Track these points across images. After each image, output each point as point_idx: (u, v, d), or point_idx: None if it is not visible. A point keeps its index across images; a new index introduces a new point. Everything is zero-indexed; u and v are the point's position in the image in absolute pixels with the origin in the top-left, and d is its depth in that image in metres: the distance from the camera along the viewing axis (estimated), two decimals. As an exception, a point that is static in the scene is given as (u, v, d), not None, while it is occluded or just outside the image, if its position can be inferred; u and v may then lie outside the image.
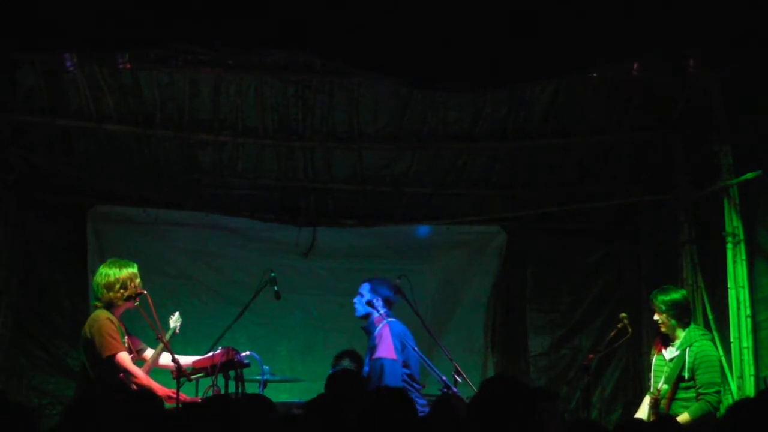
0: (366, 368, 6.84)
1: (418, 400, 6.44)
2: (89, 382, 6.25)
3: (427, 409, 6.41)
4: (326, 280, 8.51)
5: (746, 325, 6.69)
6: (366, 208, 8.48)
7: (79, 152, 7.87)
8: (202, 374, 6.32)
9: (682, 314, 6.53)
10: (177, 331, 6.69)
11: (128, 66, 6.88)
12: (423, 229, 8.55)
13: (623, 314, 6.70)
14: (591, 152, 8.09)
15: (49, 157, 7.83)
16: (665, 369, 6.47)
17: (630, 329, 6.61)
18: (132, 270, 6.41)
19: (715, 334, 6.97)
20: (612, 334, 6.74)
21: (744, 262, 6.75)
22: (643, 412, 6.57)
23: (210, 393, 6.14)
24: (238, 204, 8.34)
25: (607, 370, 8.41)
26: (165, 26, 5.57)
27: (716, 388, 6.33)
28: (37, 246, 8.07)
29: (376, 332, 6.77)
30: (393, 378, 6.49)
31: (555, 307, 8.57)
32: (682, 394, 6.37)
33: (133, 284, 6.36)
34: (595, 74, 7.11)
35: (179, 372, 6.02)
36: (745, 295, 6.73)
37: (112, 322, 6.25)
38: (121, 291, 6.32)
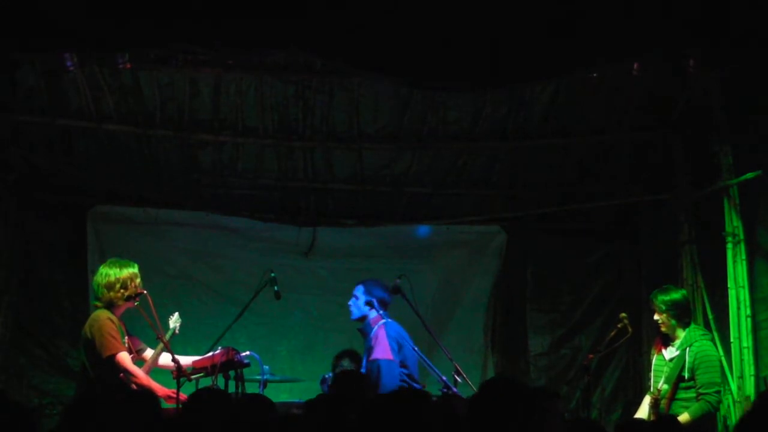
0: (363, 370, 6.83)
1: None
2: (89, 382, 6.25)
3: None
4: (326, 280, 8.51)
5: (746, 325, 6.69)
6: (366, 208, 8.48)
7: (79, 152, 7.88)
8: (202, 374, 6.31)
9: (682, 314, 6.53)
10: (177, 331, 6.70)
11: (128, 66, 6.88)
12: (423, 229, 8.55)
13: (623, 314, 6.70)
14: (591, 152, 8.09)
15: (49, 157, 7.83)
16: (665, 369, 6.47)
17: (630, 329, 6.62)
18: (132, 270, 6.41)
19: (715, 334, 6.97)
20: (612, 334, 6.74)
21: (744, 262, 6.75)
22: (643, 412, 6.57)
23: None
24: (238, 204, 8.34)
25: (607, 370, 8.41)
26: (165, 26, 5.57)
27: (716, 388, 6.33)
28: (37, 246, 8.07)
29: (372, 334, 6.77)
30: (390, 379, 6.48)
31: (555, 307, 8.57)
32: (682, 394, 6.37)
33: (133, 284, 6.37)
34: (595, 74, 7.10)
35: (179, 372, 6.02)
36: (745, 295, 6.73)
37: (113, 322, 6.25)
38: (122, 291, 6.32)
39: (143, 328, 6.56)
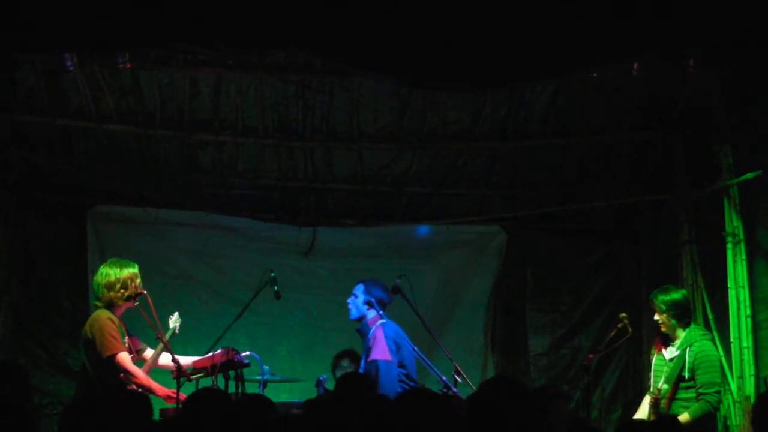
0: (362, 370, 6.83)
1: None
2: (89, 382, 6.25)
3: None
4: (326, 280, 8.51)
5: (746, 325, 6.68)
6: (366, 208, 8.48)
7: (79, 152, 7.88)
8: (202, 374, 6.31)
9: (683, 314, 6.53)
10: (177, 331, 6.70)
11: (128, 66, 6.87)
12: (423, 229, 8.55)
13: (623, 314, 6.70)
14: (591, 152, 8.09)
15: (49, 157, 7.83)
16: (665, 369, 6.48)
17: (630, 329, 6.62)
18: (133, 270, 6.42)
19: (715, 334, 6.96)
20: (612, 334, 6.74)
21: (744, 262, 6.75)
22: (643, 412, 6.57)
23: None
24: (238, 204, 8.34)
25: (607, 370, 8.41)
26: (165, 26, 5.57)
27: (716, 388, 6.33)
28: (37, 246, 8.07)
29: (371, 334, 6.77)
30: (388, 379, 6.48)
31: (555, 307, 8.57)
32: (682, 394, 6.37)
33: (133, 284, 6.37)
34: (595, 74, 7.10)
35: (179, 372, 6.03)
36: (745, 295, 6.72)
37: (113, 321, 6.25)
38: (122, 291, 6.32)
39: (143, 328, 6.56)
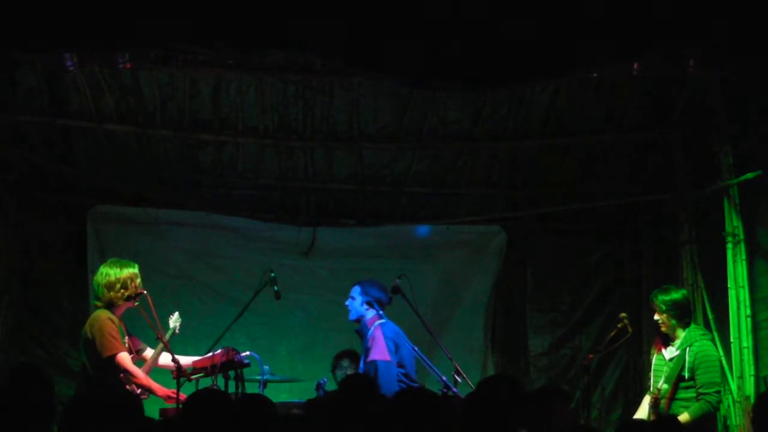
0: (361, 370, 6.83)
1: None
2: (89, 382, 6.25)
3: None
4: (326, 280, 8.50)
5: (746, 325, 6.69)
6: (366, 208, 8.48)
7: (79, 152, 7.88)
8: (202, 374, 6.31)
9: (683, 314, 6.53)
10: (177, 331, 6.69)
11: (128, 66, 6.86)
12: (423, 229, 8.55)
13: (623, 314, 6.70)
14: (591, 152, 8.09)
15: (49, 157, 7.83)
16: (665, 369, 6.47)
17: (630, 329, 6.62)
18: (133, 270, 6.41)
19: (715, 334, 6.97)
20: (612, 334, 6.74)
21: (744, 262, 6.76)
22: (643, 412, 6.57)
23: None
24: (238, 204, 8.34)
25: (607, 370, 8.41)
26: (165, 26, 5.57)
27: (716, 388, 6.33)
28: (37, 246, 8.07)
29: (370, 335, 6.76)
30: (388, 379, 6.47)
31: (555, 307, 8.57)
32: (682, 394, 6.37)
33: (133, 284, 6.36)
34: (595, 74, 7.10)
35: (179, 372, 6.02)
36: (745, 295, 6.73)
37: (113, 322, 6.25)
38: (122, 291, 6.32)
39: (143, 328, 6.56)
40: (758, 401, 5.35)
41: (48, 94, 7.39)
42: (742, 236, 6.78)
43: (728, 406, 6.78)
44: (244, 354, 6.36)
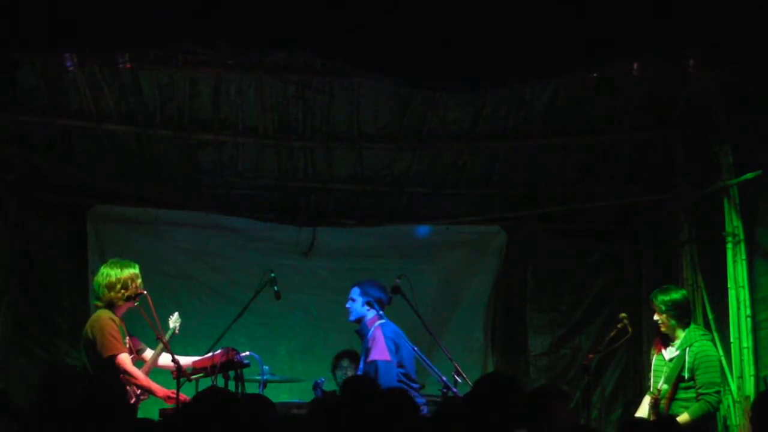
0: (360, 371, 6.83)
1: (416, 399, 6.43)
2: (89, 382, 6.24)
3: (425, 409, 6.41)
4: (326, 280, 8.51)
5: (746, 325, 6.69)
6: (366, 208, 8.48)
7: (79, 152, 7.88)
8: (202, 374, 6.31)
9: (682, 314, 6.52)
10: (177, 331, 6.69)
11: (128, 66, 6.87)
12: (423, 229, 8.55)
13: (623, 314, 6.70)
14: (591, 152, 8.09)
15: (49, 157, 7.83)
16: (665, 369, 6.47)
17: (630, 329, 6.62)
18: (133, 270, 6.42)
19: (715, 334, 6.97)
20: (612, 334, 6.74)
21: (744, 262, 6.76)
22: (643, 412, 6.57)
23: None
24: (238, 204, 8.34)
25: (607, 370, 8.41)
26: (165, 26, 5.57)
27: (716, 388, 6.33)
28: (37, 246, 8.07)
29: (370, 335, 6.76)
30: (388, 379, 6.47)
31: (555, 307, 8.57)
32: (682, 394, 6.37)
33: (134, 284, 6.37)
34: (595, 74, 7.11)
35: (179, 372, 6.02)
36: (745, 295, 6.73)
37: (114, 322, 6.25)
38: (122, 291, 6.32)
39: (143, 328, 6.56)
40: (757, 401, 5.35)
41: (48, 94, 7.39)
42: (742, 236, 6.78)
43: (728, 406, 6.78)
44: (244, 354, 6.36)
